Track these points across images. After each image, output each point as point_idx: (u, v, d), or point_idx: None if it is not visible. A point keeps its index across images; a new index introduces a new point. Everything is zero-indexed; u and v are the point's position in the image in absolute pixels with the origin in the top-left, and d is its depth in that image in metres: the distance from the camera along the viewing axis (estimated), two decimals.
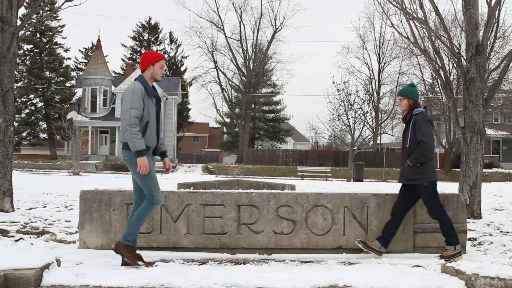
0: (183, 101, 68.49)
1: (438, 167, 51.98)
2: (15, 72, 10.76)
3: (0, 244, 7.57)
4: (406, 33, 12.90)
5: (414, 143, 7.11)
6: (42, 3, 11.52)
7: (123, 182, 25.13)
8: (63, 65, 58.25)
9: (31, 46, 56.56)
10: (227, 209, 7.31)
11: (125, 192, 7.32)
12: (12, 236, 8.15)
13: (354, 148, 41.78)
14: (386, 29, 61.45)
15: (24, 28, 10.85)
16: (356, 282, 5.42)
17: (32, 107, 56.62)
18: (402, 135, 7.41)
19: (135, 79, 6.42)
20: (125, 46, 72.51)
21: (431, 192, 7.07)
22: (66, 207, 11.76)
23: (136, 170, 6.12)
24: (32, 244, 7.74)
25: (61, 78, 57.28)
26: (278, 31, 66.02)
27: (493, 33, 11.43)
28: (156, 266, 6.21)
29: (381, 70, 62.01)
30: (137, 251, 6.31)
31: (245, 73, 65.18)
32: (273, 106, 75.78)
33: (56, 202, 12.53)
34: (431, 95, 51.85)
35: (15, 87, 10.47)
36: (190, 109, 74.72)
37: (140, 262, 6.12)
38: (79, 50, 75.98)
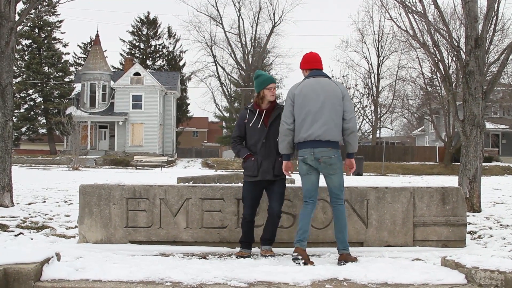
0: (182, 95, 68.45)
1: (437, 160, 52.04)
2: (14, 67, 10.74)
3: (0, 238, 7.57)
4: (405, 26, 12.90)
5: None
6: None
7: (123, 176, 25.16)
8: (62, 60, 58.24)
9: (30, 41, 56.54)
10: (227, 203, 7.30)
11: (125, 186, 7.31)
12: (11, 231, 8.15)
13: None
14: (385, 23, 61.55)
15: (22, 23, 10.83)
16: (356, 276, 5.41)
17: (31, 102, 56.65)
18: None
19: None
20: (123, 41, 72.58)
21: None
22: (65, 201, 11.76)
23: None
24: (31, 239, 7.74)
25: (60, 73, 57.27)
26: (277, 25, 66.18)
27: (493, 26, 11.39)
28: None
29: (380, 63, 62.00)
30: (139, 245, 6.24)
31: (244, 67, 65.22)
32: None
33: (55, 197, 12.53)
34: (430, 88, 51.84)
35: (13, 82, 10.44)
36: (189, 104, 74.73)
37: None
38: (78, 45, 75.95)
